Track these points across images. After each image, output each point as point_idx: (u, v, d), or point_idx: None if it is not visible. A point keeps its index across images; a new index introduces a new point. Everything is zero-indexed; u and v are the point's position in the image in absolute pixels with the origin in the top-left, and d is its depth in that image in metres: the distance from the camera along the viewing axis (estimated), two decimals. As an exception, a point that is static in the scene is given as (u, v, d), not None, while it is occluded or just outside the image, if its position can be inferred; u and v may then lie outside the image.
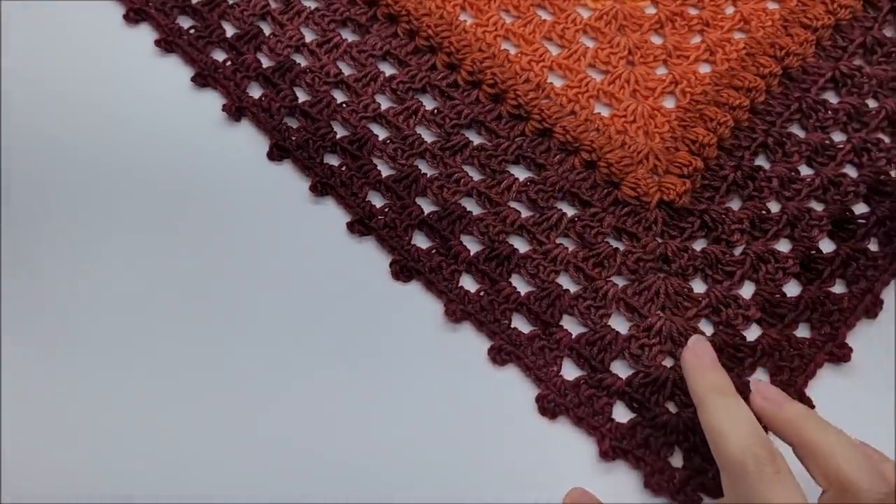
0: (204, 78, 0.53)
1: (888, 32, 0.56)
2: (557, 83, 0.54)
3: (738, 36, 0.56)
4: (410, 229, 0.48)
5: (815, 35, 0.55)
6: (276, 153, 0.50)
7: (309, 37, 0.55)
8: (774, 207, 0.49)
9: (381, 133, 0.51)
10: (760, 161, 0.51)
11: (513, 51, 0.55)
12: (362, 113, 0.52)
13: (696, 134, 0.50)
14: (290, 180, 0.50)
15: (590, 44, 0.56)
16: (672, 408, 0.43)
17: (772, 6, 0.57)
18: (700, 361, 0.39)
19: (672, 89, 0.54)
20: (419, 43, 0.55)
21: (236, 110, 0.52)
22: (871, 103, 0.53)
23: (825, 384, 0.44)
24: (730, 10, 0.57)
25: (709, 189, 0.50)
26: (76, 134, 0.51)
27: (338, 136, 0.51)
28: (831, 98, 0.54)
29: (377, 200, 0.49)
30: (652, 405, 0.42)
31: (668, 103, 0.54)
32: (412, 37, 0.55)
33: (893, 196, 0.49)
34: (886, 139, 0.51)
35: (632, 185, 0.49)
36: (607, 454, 0.41)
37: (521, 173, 0.50)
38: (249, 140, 0.52)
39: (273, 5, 0.56)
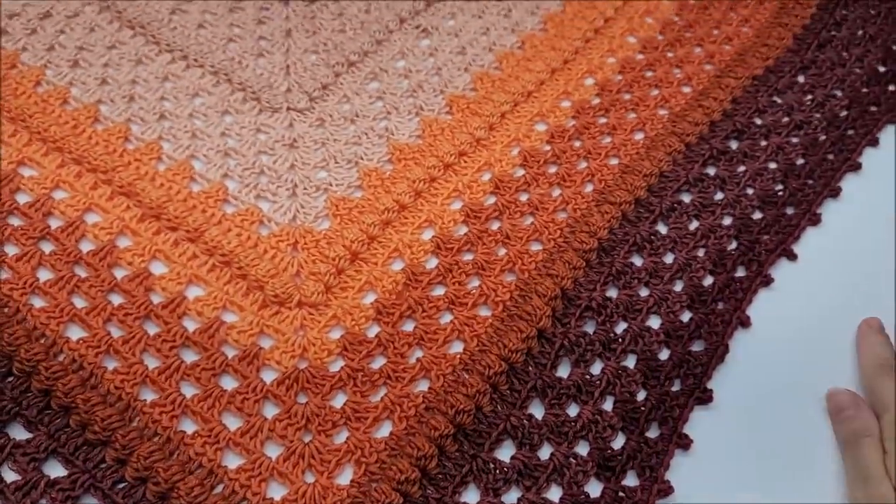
0: None
1: (562, 371, 0.58)
2: (233, 464, 0.53)
3: (419, 388, 0.57)
4: None
5: (489, 383, 0.56)
6: None
7: (-22, 441, 0.53)
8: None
9: (37, 555, 0.49)
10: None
11: (191, 429, 0.54)
12: (16, 534, 0.49)
13: (361, 521, 0.49)
14: None
15: (270, 413, 0.55)
16: None
17: (454, 350, 0.59)
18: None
19: (349, 459, 0.53)
20: (88, 436, 0.53)
21: None
22: (544, 454, 0.54)
23: None
24: (413, 359, 0.58)
25: (376, 581, 0.48)
26: None
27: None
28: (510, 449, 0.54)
29: None
30: None
31: (347, 474, 0.53)
32: (84, 428, 0.53)
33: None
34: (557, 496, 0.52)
35: None
36: None
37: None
38: None
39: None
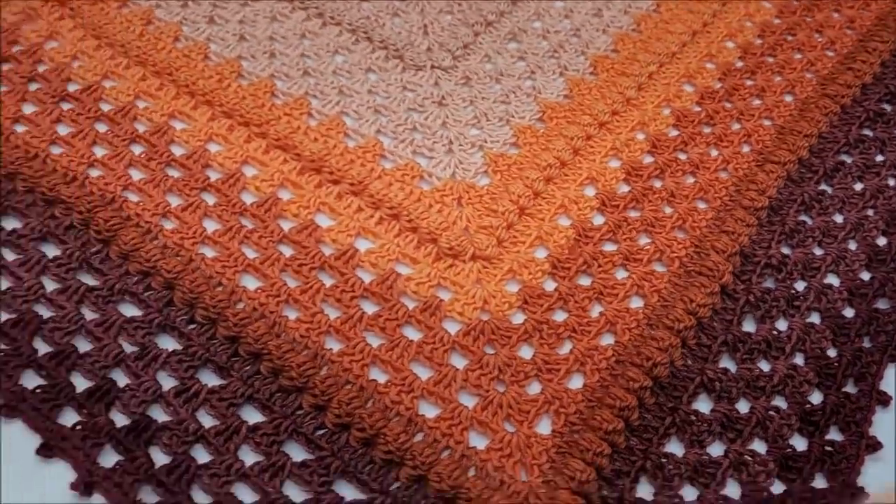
0: (50, 448, 0.49)
1: (747, 327, 0.57)
2: (430, 413, 0.52)
3: (605, 342, 0.56)
4: None
5: (679, 337, 0.55)
6: (133, 538, 0.46)
7: (167, 385, 0.52)
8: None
9: (249, 499, 0.48)
10: (642, 489, 0.50)
11: (383, 379, 0.53)
12: (225, 476, 0.48)
13: (574, 469, 0.48)
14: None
15: (460, 364, 0.55)
16: None
17: (635, 305, 0.58)
18: None
19: (546, 409, 0.53)
20: (283, 383, 0.52)
21: (86, 487, 0.47)
22: (743, 408, 0.53)
23: None
24: (594, 314, 0.57)
25: (594, 528, 0.48)
26: None
27: (199, 507, 0.47)
28: (704, 403, 0.53)
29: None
30: None
31: (544, 424, 0.52)
32: (276, 375, 0.53)
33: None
34: (761, 450, 0.51)
35: (513, 540, 0.46)
36: None
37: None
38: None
39: (128, 350, 0.53)
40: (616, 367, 0.54)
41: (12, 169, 0.62)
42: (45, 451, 0.49)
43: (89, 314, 0.55)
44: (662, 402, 0.53)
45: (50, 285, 0.56)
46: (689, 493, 0.50)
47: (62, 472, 0.48)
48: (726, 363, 0.56)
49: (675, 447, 0.52)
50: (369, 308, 0.57)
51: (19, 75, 0.70)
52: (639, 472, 0.50)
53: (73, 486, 0.47)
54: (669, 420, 0.52)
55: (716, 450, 0.52)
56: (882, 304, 0.59)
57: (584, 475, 0.48)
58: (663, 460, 0.50)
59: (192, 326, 0.55)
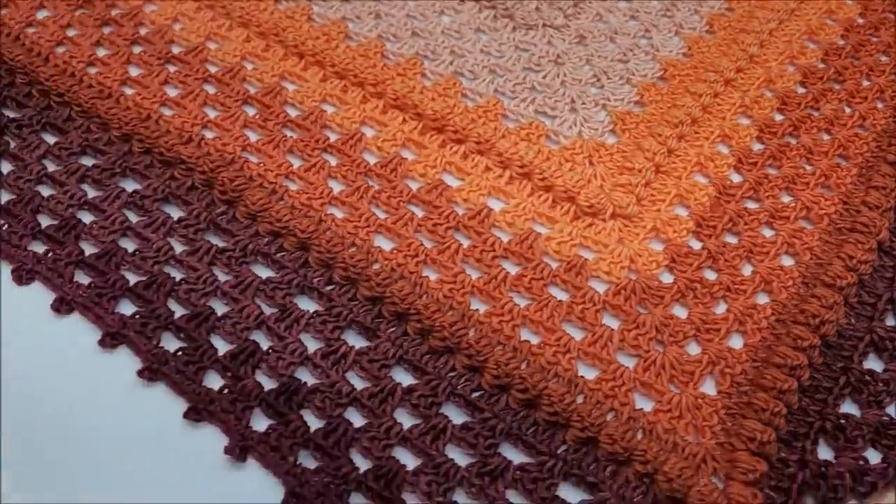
0: (199, 412, 0.47)
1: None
2: (590, 375, 0.50)
3: (762, 300, 0.53)
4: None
5: (841, 294, 0.52)
6: (292, 502, 0.44)
7: (312, 347, 0.50)
8: (851, 507, 0.45)
9: (411, 463, 0.46)
10: (822, 451, 0.47)
11: (533, 340, 0.51)
12: (385, 440, 0.46)
13: (751, 430, 0.46)
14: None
15: (613, 324, 0.52)
16: None
17: (787, 263, 0.55)
18: None
19: (710, 371, 0.50)
20: (433, 344, 0.50)
21: (241, 451, 0.45)
22: (916, 366, 0.50)
23: None
24: (748, 271, 0.55)
25: (779, 492, 0.45)
26: None
27: (363, 471, 0.45)
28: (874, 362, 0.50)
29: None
30: None
31: (707, 387, 0.50)
32: (424, 336, 0.50)
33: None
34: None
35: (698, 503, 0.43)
36: None
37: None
38: (260, 484, 0.45)
39: (267, 312, 0.51)
40: (777, 326, 0.51)
41: (128, 130, 0.60)
42: (194, 414, 0.47)
43: (222, 276, 0.53)
44: (830, 361, 0.50)
45: (177, 247, 0.54)
46: (869, 455, 0.47)
47: (208, 437, 0.46)
48: (891, 321, 0.52)
49: (849, 408, 0.49)
50: (509, 268, 0.55)
51: (122, 38, 0.68)
52: (817, 434, 0.47)
53: (228, 451, 0.45)
54: (843, 380, 0.49)
55: (892, 411, 0.49)
56: None
57: (765, 436, 0.45)
58: (842, 421, 0.47)
59: (330, 287, 0.52)
